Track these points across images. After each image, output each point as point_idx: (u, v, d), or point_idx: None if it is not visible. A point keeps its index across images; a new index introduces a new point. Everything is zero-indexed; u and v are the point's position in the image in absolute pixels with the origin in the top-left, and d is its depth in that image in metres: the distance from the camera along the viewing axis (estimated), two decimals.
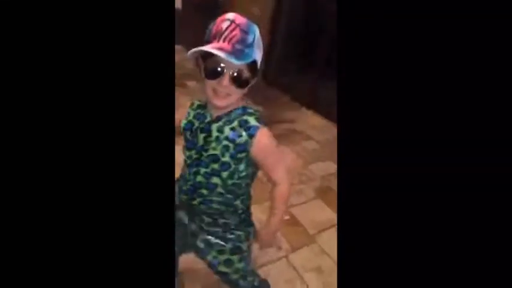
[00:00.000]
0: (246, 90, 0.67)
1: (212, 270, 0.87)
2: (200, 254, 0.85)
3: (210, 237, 0.81)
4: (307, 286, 1.26)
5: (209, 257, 0.83)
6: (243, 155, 0.69)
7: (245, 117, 0.69)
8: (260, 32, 0.66)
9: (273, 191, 0.76)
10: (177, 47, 4.19)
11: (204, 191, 0.74)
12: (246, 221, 0.83)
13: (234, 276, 0.87)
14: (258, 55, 0.64)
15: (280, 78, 3.39)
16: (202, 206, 0.76)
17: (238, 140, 0.68)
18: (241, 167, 0.72)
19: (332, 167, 2.11)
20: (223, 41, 0.60)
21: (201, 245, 0.82)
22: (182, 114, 0.76)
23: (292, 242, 1.46)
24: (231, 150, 0.69)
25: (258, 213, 0.91)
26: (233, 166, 0.71)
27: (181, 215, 0.83)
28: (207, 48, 0.58)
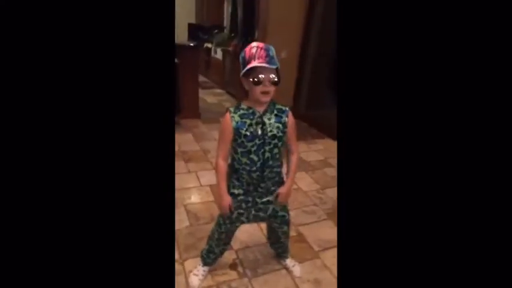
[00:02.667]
0: (275, 87, 0.99)
1: (271, 219, 1.23)
2: (261, 214, 1.20)
3: (268, 198, 1.16)
4: None
5: (269, 211, 1.20)
6: (286, 129, 1.07)
7: (278, 106, 1.07)
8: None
9: (290, 158, 1.15)
10: (220, 91, 4.73)
11: (271, 161, 1.07)
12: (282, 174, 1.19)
13: (287, 217, 1.26)
14: (277, 63, 0.97)
15: (308, 113, 3.60)
16: (270, 174, 1.10)
17: (283, 120, 1.05)
18: (285, 138, 1.08)
19: None
20: (258, 59, 0.92)
21: (262, 206, 1.18)
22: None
23: (296, 257, 1.52)
24: (281, 127, 1.05)
25: None
26: (283, 138, 1.06)
27: (242, 198, 1.14)
28: (254, 64, 0.91)
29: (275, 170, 1.11)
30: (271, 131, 1.03)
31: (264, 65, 0.91)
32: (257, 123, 1.02)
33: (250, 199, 1.15)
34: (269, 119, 1.03)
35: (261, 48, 0.94)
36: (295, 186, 2.20)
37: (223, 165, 1.08)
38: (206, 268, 1.36)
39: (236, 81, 4.78)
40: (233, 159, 1.10)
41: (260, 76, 0.94)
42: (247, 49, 0.96)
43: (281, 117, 1.05)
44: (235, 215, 1.16)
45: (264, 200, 1.16)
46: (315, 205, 1.99)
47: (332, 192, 2.14)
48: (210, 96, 4.81)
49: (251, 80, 0.95)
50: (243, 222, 1.22)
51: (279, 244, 1.39)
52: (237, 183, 1.13)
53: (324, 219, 1.84)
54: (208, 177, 2.23)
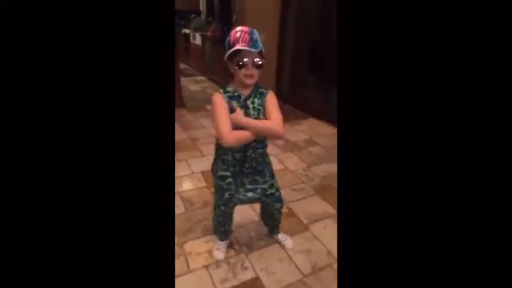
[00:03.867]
0: (260, 71, 1.04)
1: (263, 198, 1.29)
2: (251, 194, 1.26)
3: (254, 177, 1.23)
4: (295, 264, 1.43)
5: (258, 190, 1.26)
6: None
7: (260, 90, 1.11)
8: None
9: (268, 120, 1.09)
10: (202, 78, 4.69)
11: (253, 143, 1.11)
12: (267, 153, 1.25)
13: (277, 193, 1.32)
14: (261, 46, 1.01)
15: (292, 95, 3.67)
16: (253, 154, 1.15)
17: (262, 103, 1.09)
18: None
19: (335, 167, 2.26)
20: (242, 42, 0.96)
21: (249, 186, 1.24)
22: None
23: (287, 231, 1.64)
24: (262, 110, 1.09)
25: None
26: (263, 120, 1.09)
27: (230, 180, 1.20)
28: (237, 47, 0.95)
29: (258, 151, 1.15)
30: (253, 114, 1.08)
31: (245, 48, 0.95)
32: (241, 107, 1.07)
33: (237, 180, 1.21)
34: (252, 103, 1.08)
35: (245, 32, 0.98)
36: (282, 166, 2.30)
37: (232, 131, 1.02)
38: (224, 242, 1.49)
39: (218, 67, 4.76)
40: (218, 140, 1.13)
41: (244, 59, 0.98)
42: (232, 32, 0.99)
43: (262, 100, 1.10)
44: (226, 196, 1.23)
45: (251, 179, 1.22)
46: (302, 182, 2.10)
47: (318, 170, 2.26)
48: (192, 84, 4.78)
49: (235, 63, 1.00)
50: (235, 204, 1.29)
51: (272, 221, 1.49)
52: (223, 165, 1.18)
53: (312, 195, 1.96)
54: (199, 164, 2.29)
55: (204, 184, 2.06)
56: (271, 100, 1.10)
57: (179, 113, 3.41)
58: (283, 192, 1.97)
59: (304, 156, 2.49)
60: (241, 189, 1.24)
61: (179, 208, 1.81)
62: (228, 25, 4.59)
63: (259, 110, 1.09)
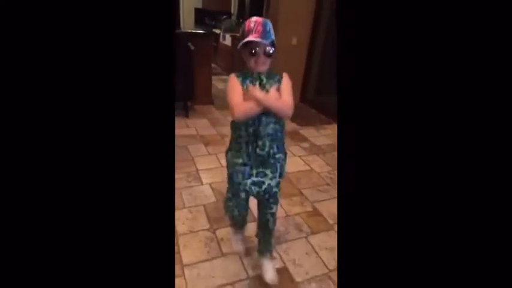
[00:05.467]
0: (272, 58, 1.10)
1: (266, 195, 1.25)
2: (255, 187, 1.23)
3: (264, 169, 1.21)
4: (321, 259, 1.51)
5: (265, 185, 1.23)
6: (280, 86, 1.13)
7: (273, 73, 1.14)
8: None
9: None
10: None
11: (264, 117, 1.12)
12: (282, 147, 1.22)
13: (278, 194, 1.28)
14: (273, 36, 1.07)
15: (316, 99, 3.75)
16: (266, 129, 1.14)
17: (276, 79, 1.13)
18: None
19: None
20: (254, 33, 1.03)
21: (255, 179, 1.22)
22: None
23: (313, 228, 1.72)
24: (274, 83, 1.12)
25: None
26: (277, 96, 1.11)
27: (241, 169, 1.20)
28: (249, 38, 1.03)
29: (271, 126, 1.15)
30: (266, 84, 1.11)
31: (257, 40, 1.02)
32: (255, 79, 1.12)
33: (247, 167, 1.19)
34: (266, 77, 1.13)
35: (259, 24, 1.04)
36: (308, 168, 2.39)
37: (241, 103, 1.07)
38: (240, 234, 1.51)
39: (244, 67, 4.88)
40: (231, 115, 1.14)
41: (256, 49, 1.05)
42: (247, 23, 1.06)
43: (275, 76, 1.14)
44: (236, 185, 1.24)
45: (259, 171, 1.20)
46: (327, 184, 2.18)
47: None
48: (219, 83, 4.93)
49: (248, 52, 1.07)
50: (246, 194, 1.28)
51: (265, 233, 1.37)
52: (236, 152, 1.19)
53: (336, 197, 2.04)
54: None
55: None
56: (286, 82, 1.15)
57: (208, 109, 3.55)
58: (309, 192, 2.08)
59: (329, 159, 2.56)
60: (248, 181, 1.22)
61: (211, 198, 1.92)
62: None
63: (271, 84, 1.12)
